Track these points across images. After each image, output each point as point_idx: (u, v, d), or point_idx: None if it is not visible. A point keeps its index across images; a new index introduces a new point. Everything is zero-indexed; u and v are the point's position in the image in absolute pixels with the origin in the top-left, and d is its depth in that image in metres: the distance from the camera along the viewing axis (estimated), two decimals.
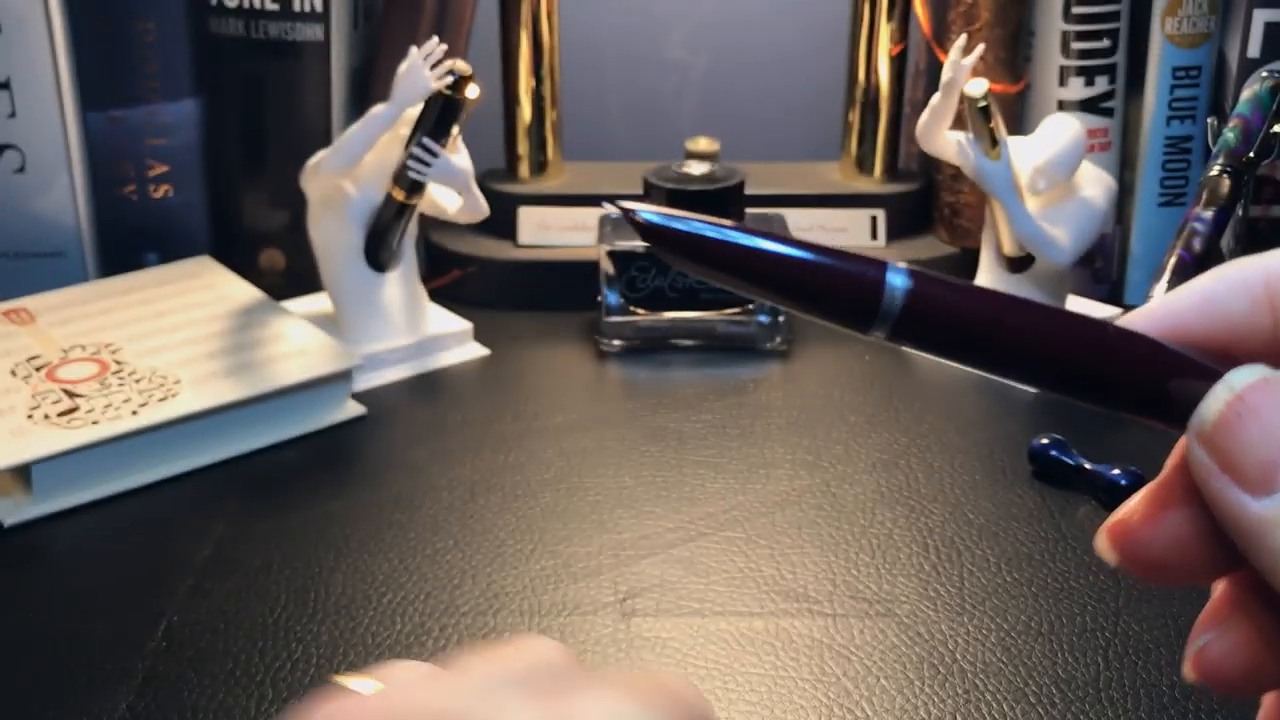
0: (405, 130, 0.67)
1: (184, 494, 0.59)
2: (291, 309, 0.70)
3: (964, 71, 0.67)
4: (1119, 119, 0.76)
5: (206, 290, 0.71)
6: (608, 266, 0.71)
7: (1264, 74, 0.64)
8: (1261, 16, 0.70)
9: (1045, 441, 0.59)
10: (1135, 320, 0.24)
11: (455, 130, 0.67)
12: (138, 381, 0.62)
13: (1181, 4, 0.72)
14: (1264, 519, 0.21)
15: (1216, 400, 0.23)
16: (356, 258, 0.69)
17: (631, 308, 0.72)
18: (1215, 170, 0.63)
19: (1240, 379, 0.23)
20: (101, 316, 0.68)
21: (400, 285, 0.70)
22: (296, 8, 0.74)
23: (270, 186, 0.78)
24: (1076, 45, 0.74)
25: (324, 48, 0.75)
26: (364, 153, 0.67)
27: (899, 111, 0.81)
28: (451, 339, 0.72)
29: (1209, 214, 0.63)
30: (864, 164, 0.82)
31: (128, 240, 0.78)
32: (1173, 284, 0.62)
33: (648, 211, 0.23)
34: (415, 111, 0.67)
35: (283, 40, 0.75)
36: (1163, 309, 0.24)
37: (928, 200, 0.82)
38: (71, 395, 0.60)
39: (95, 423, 0.58)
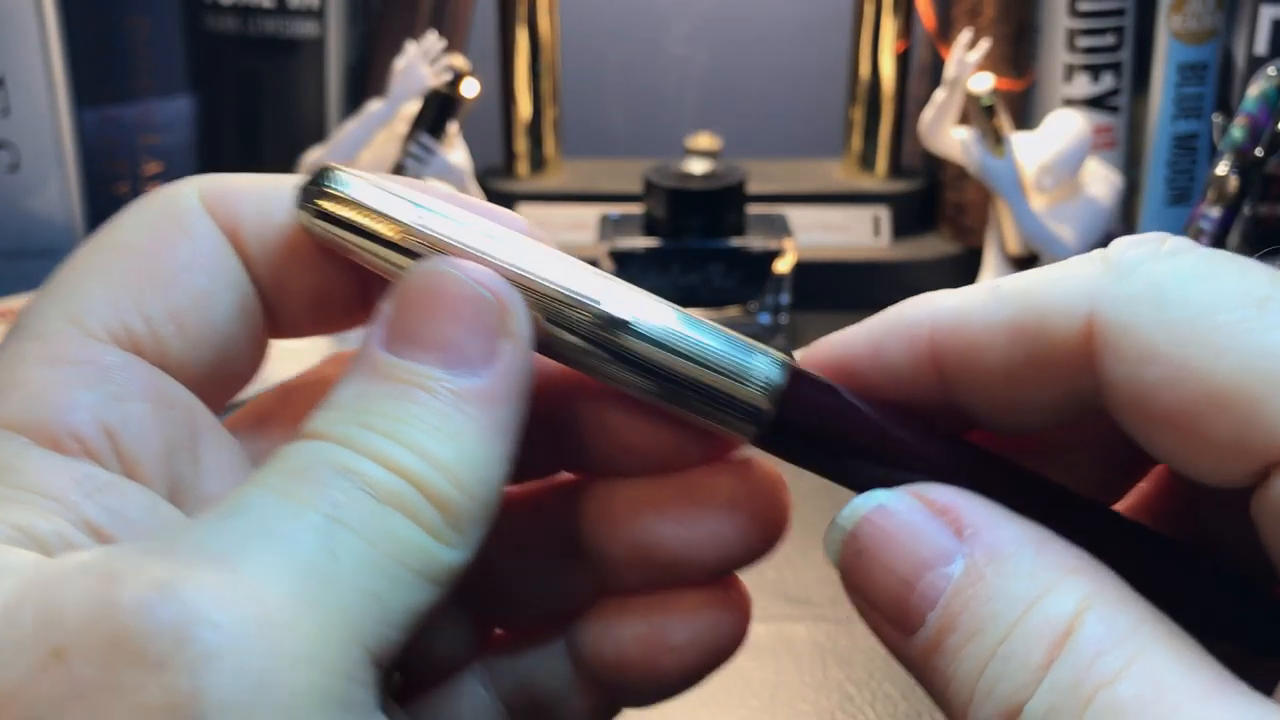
0: (402, 127, 0.66)
1: None
2: None
3: (968, 68, 0.67)
4: (1125, 116, 0.75)
5: None
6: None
7: (1271, 71, 0.63)
8: (1268, 13, 0.69)
9: None
10: (807, 358, 0.23)
11: (453, 127, 0.67)
12: None
13: (1188, 0, 0.71)
14: (923, 651, 0.20)
15: (833, 542, 0.21)
16: None
17: None
18: (1222, 168, 0.63)
19: (851, 515, 0.21)
20: None
21: None
22: (292, 4, 0.73)
23: None
24: (1082, 42, 0.73)
25: (320, 44, 0.74)
26: (360, 150, 0.66)
27: (902, 108, 0.81)
28: None
29: (1216, 212, 0.62)
30: (867, 161, 0.82)
31: None
32: None
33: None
34: (413, 108, 0.66)
35: (278, 37, 0.74)
36: (832, 353, 0.23)
37: (932, 198, 0.81)
38: None
39: None
